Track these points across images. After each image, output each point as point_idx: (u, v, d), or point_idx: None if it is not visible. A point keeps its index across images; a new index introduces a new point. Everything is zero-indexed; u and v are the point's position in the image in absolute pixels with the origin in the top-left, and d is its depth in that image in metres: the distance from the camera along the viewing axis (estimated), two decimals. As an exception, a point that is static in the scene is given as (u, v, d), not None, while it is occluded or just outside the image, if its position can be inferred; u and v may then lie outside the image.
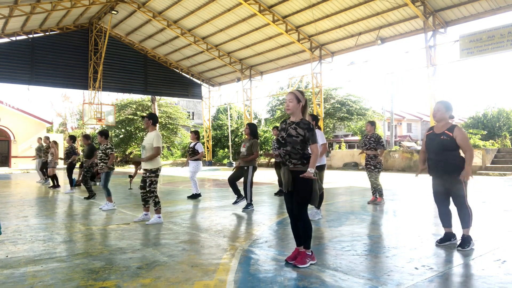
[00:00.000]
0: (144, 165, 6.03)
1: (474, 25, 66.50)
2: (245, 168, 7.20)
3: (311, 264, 3.65)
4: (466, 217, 4.17)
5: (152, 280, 3.30)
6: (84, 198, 9.10)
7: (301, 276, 3.38)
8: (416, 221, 5.94)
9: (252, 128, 7.30)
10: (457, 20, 15.92)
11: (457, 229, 4.36)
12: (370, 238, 4.78)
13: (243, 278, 3.36)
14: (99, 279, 3.35)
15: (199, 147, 9.06)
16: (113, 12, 21.67)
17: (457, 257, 3.92)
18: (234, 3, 18.96)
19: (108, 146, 7.70)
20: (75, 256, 4.11)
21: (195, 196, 8.90)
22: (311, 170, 3.58)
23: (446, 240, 4.31)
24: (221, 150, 34.55)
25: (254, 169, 7.23)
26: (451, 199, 4.28)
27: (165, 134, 34.53)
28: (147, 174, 5.99)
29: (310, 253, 3.72)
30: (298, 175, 3.64)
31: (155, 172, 5.98)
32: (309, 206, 3.90)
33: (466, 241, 4.14)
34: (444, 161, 4.16)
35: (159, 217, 6.00)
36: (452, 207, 4.30)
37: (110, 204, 7.50)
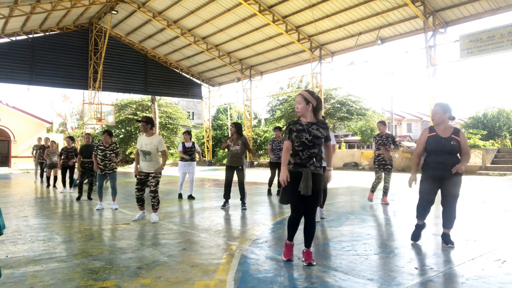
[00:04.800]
0: (149, 168, 6.01)
1: (474, 25, 66.49)
2: (240, 168, 7.33)
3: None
4: (453, 219, 4.27)
5: (152, 280, 3.30)
6: (88, 198, 9.05)
7: (301, 276, 3.38)
8: (416, 221, 5.92)
9: (238, 127, 7.50)
10: (457, 20, 15.92)
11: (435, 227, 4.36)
12: (370, 238, 4.78)
13: (243, 278, 3.36)
14: (99, 279, 3.35)
15: (197, 147, 9.23)
16: (113, 12, 21.66)
17: (457, 257, 3.92)
18: (234, 3, 18.96)
19: (117, 146, 7.83)
20: (75, 256, 4.11)
21: (190, 197, 8.95)
22: (332, 169, 3.81)
23: (447, 243, 4.29)
24: (221, 150, 34.54)
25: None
26: (441, 199, 4.32)
27: (165, 134, 34.51)
28: (153, 175, 6.02)
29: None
30: (319, 178, 3.65)
31: (161, 173, 6.11)
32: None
33: (450, 238, 4.29)
34: (451, 164, 4.17)
35: (157, 215, 6.14)
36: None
37: (115, 204, 7.60)
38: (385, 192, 7.59)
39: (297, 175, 3.62)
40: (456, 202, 4.25)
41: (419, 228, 4.47)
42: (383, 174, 7.60)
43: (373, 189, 7.69)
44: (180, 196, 9.08)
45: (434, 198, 4.32)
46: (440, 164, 4.19)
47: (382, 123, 7.76)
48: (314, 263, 3.64)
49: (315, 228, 3.76)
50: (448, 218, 4.26)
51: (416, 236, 4.47)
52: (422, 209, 4.42)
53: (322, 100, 21.96)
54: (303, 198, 3.63)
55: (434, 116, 4.32)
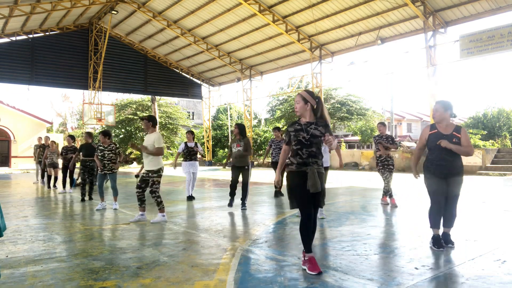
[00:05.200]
0: (146, 166, 6.03)
1: (474, 25, 66.48)
2: (246, 167, 7.33)
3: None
4: (454, 218, 4.26)
5: (152, 280, 3.30)
6: (89, 198, 9.02)
7: (301, 276, 3.38)
8: (416, 221, 5.93)
9: (241, 128, 7.46)
10: (457, 20, 15.91)
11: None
12: (370, 238, 4.78)
13: (243, 278, 3.35)
14: (99, 279, 3.35)
15: (200, 148, 9.16)
16: (113, 12, 21.66)
17: (457, 257, 3.92)
18: (234, 3, 18.96)
19: (117, 146, 7.79)
20: (75, 256, 4.11)
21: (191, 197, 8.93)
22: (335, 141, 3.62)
23: (447, 242, 4.26)
24: (221, 150, 34.54)
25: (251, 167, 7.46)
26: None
27: (165, 134, 34.51)
28: (150, 174, 6.01)
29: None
30: (320, 176, 3.61)
31: (157, 172, 6.02)
32: None
33: (450, 237, 4.29)
34: (452, 162, 4.15)
35: (163, 216, 6.06)
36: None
37: (116, 204, 7.60)
38: (385, 192, 7.58)
39: (302, 174, 3.55)
40: (457, 202, 4.24)
41: (437, 238, 4.24)
42: (391, 174, 7.57)
43: (390, 193, 7.52)
44: (188, 198, 8.82)
45: (443, 199, 4.20)
46: (442, 160, 4.17)
47: (382, 124, 7.76)
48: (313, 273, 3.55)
49: (316, 229, 3.76)
50: (449, 217, 4.25)
51: (439, 243, 4.20)
52: (435, 214, 4.26)
53: (322, 100, 21.93)
54: (311, 197, 3.56)
55: (435, 114, 4.28)
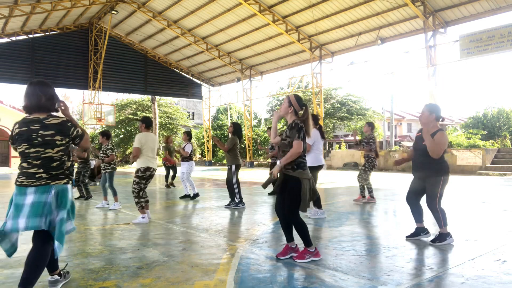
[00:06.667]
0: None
1: (474, 25, 66.43)
2: (229, 167, 7.46)
3: (312, 260, 3.72)
4: (438, 220, 4.35)
5: (152, 280, 3.30)
6: (76, 198, 9.03)
7: (301, 276, 3.38)
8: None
9: (235, 127, 7.60)
10: (457, 20, 15.92)
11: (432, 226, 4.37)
12: (370, 238, 4.78)
13: (243, 278, 3.35)
14: (99, 279, 3.35)
15: (188, 148, 9.13)
16: (113, 12, 21.67)
17: (457, 257, 3.92)
18: (234, 3, 18.96)
19: (109, 147, 7.70)
20: (75, 256, 4.11)
21: (194, 196, 8.93)
22: (278, 163, 3.75)
23: (415, 235, 4.54)
24: (221, 150, 34.55)
25: (237, 167, 7.46)
26: (423, 198, 4.49)
27: (165, 134, 34.49)
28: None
29: (313, 250, 3.77)
30: (288, 180, 3.70)
31: (136, 172, 5.98)
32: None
33: (441, 237, 4.33)
34: (427, 164, 4.29)
35: (143, 217, 5.95)
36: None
37: (117, 204, 7.54)
38: (362, 192, 7.83)
39: None
40: (433, 203, 4.30)
41: (416, 230, 4.56)
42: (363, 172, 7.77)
43: (361, 191, 7.89)
44: (183, 196, 9.10)
45: (415, 197, 4.49)
46: (415, 161, 4.44)
47: (366, 124, 7.84)
48: (297, 261, 3.69)
49: (300, 229, 3.74)
50: (435, 219, 4.38)
51: (411, 234, 4.57)
52: (412, 212, 4.58)
53: (322, 100, 21.93)
54: (280, 198, 3.81)
55: (420, 118, 4.47)
